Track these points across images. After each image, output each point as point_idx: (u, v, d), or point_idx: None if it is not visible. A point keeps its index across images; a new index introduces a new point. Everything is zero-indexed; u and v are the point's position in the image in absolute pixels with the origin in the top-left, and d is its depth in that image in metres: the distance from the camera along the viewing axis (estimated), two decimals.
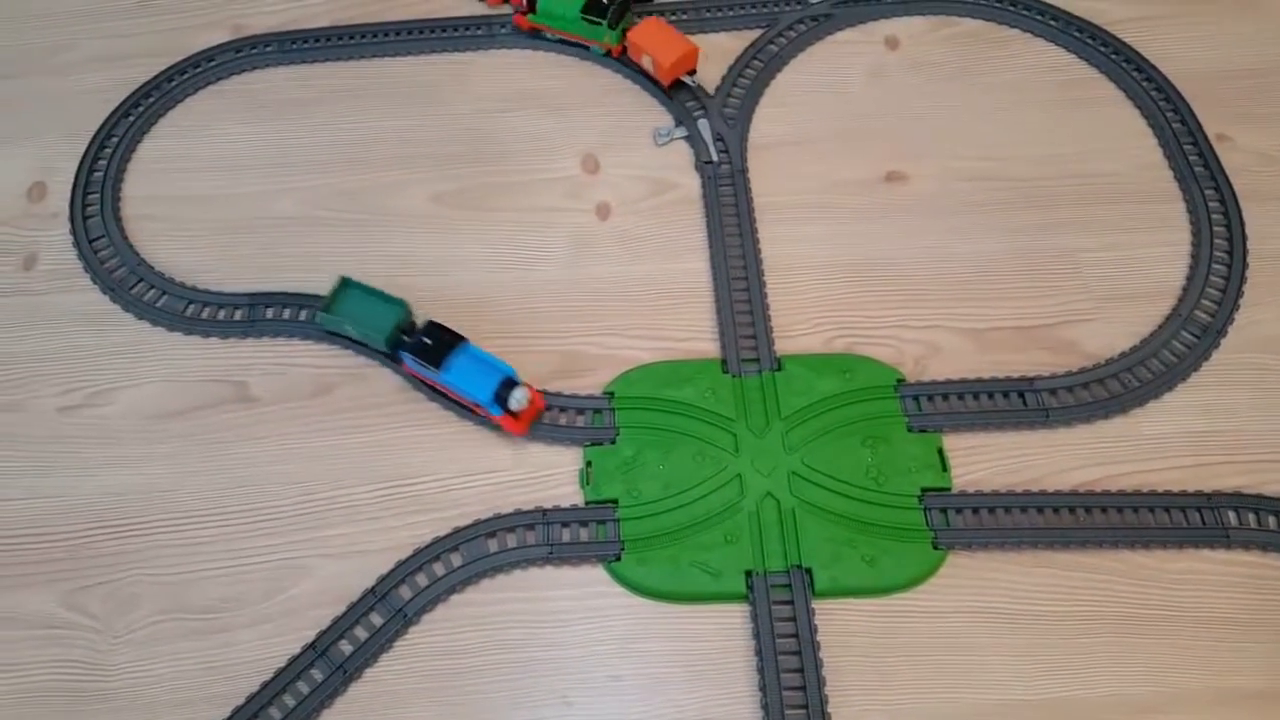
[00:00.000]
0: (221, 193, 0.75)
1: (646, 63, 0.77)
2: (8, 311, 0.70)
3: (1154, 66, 0.78)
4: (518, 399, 0.61)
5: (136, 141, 0.78)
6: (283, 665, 0.56)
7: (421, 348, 0.63)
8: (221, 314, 0.69)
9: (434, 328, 0.64)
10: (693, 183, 0.74)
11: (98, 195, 0.75)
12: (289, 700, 0.56)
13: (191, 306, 0.69)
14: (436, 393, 0.65)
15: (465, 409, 0.64)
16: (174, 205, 0.75)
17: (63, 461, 0.64)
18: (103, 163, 0.76)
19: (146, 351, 0.68)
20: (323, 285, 0.69)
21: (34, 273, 0.72)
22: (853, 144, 0.75)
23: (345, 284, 0.66)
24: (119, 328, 0.69)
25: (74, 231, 0.73)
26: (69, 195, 0.75)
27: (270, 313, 0.69)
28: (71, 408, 0.66)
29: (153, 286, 0.70)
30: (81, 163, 0.76)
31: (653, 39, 0.77)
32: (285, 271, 0.71)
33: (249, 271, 0.71)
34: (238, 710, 0.55)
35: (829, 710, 0.54)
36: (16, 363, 0.68)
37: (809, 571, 0.58)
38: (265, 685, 0.56)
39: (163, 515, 0.62)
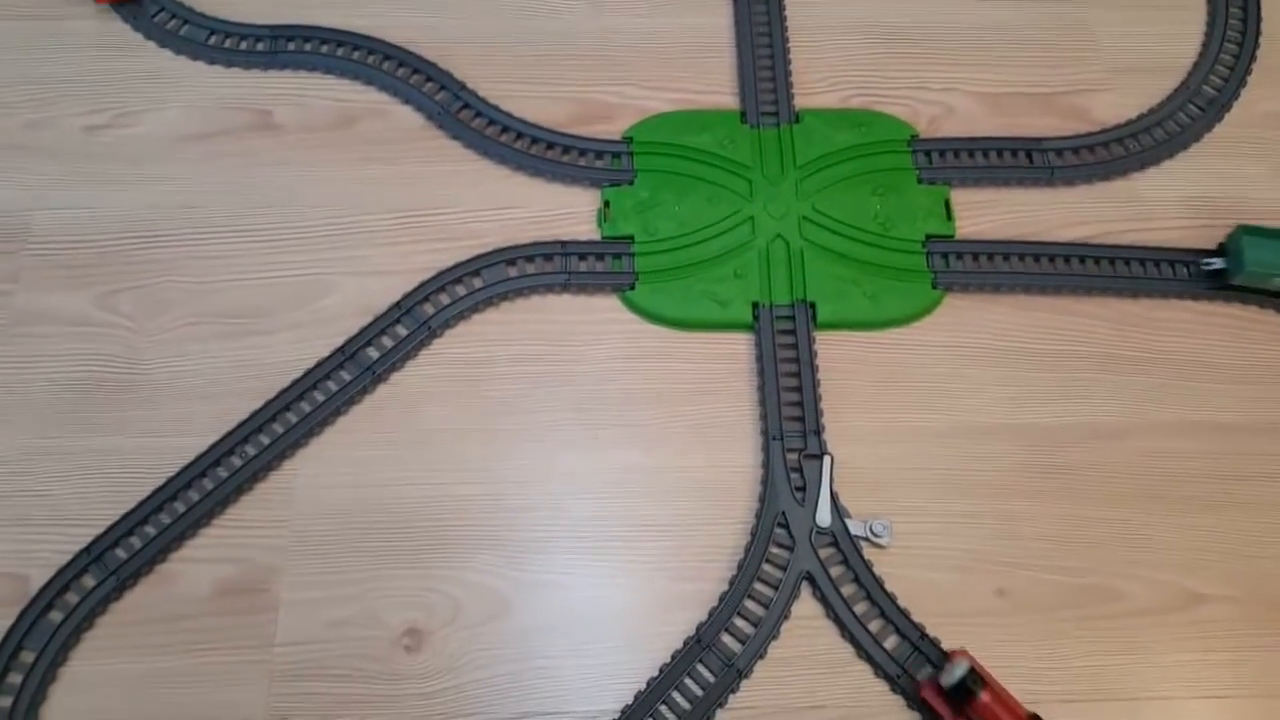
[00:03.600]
0: None
1: None
2: (29, 35, 0.70)
3: None
4: None
5: None
6: (312, 366, 0.60)
7: None
8: (243, 45, 0.69)
9: None
10: None
11: None
12: (319, 396, 0.59)
13: (214, 36, 0.69)
14: (459, 132, 0.66)
15: (493, 147, 0.66)
16: None
17: (92, 175, 0.65)
18: None
19: (169, 78, 0.68)
20: (343, 21, 0.69)
21: None
22: None
23: (1247, 233, 0.59)
24: (141, 54, 0.69)
25: None
26: None
27: (292, 45, 0.69)
28: (98, 127, 0.67)
29: (174, 16, 0.70)
30: None
31: None
32: (307, 7, 0.70)
33: (270, 5, 0.70)
34: (270, 402, 0.58)
35: (823, 422, 0.58)
36: (40, 83, 0.68)
37: (813, 305, 0.61)
38: (295, 382, 0.59)
39: (191, 229, 0.64)
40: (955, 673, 0.50)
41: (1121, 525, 0.57)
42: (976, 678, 0.49)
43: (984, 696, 0.49)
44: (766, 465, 0.57)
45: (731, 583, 0.55)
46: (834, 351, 0.61)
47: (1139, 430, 0.59)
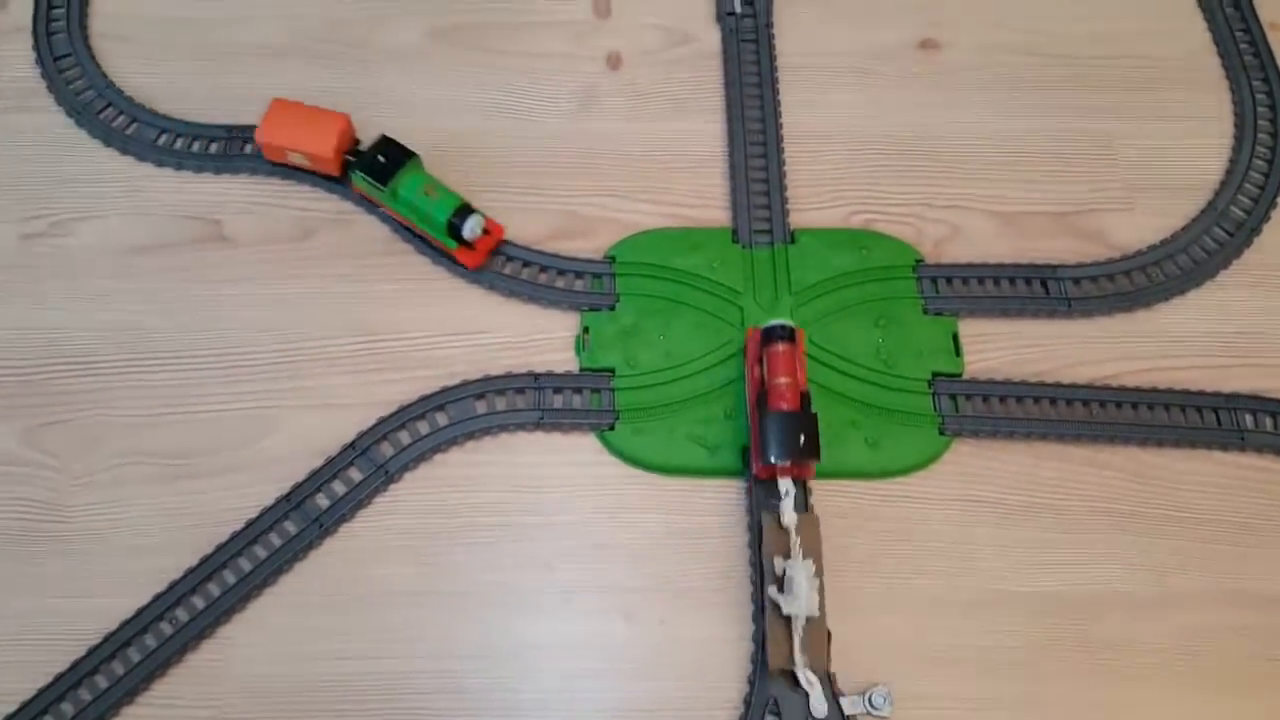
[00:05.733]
0: (199, 14, 0.69)
1: (297, 159, 0.62)
2: None
3: None
4: None
5: None
6: (255, 516, 0.54)
7: None
8: (196, 146, 0.64)
9: None
10: (713, 36, 0.68)
11: (63, 10, 0.68)
12: (260, 551, 0.53)
13: (164, 136, 0.64)
14: (426, 245, 0.61)
15: (462, 268, 0.60)
16: (148, 26, 0.68)
17: (22, 292, 0.60)
18: None
19: (114, 181, 0.63)
20: None
21: None
22: (888, 4, 0.70)
23: None
24: (84, 154, 0.64)
25: (36, 48, 0.67)
26: (31, 7, 0.68)
27: (249, 148, 0.63)
28: (33, 236, 0.61)
29: (122, 112, 0.65)
30: None
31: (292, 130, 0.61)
32: (265, 105, 0.65)
33: (227, 102, 0.65)
34: (206, 559, 0.53)
35: None
36: None
37: None
38: (235, 535, 0.53)
39: (128, 354, 0.58)
40: (775, 321, 0.55)
41: (1144, 710, 0.51)
42: (791, 333, 0.54)
43: (780, 347, 0.54)
44: (758, 640, 0.52)
45: None
46: (830, 504, 0.55)
47: (1166, 601, 0.53)
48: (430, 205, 0.58)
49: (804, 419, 0.52)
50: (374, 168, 0.59)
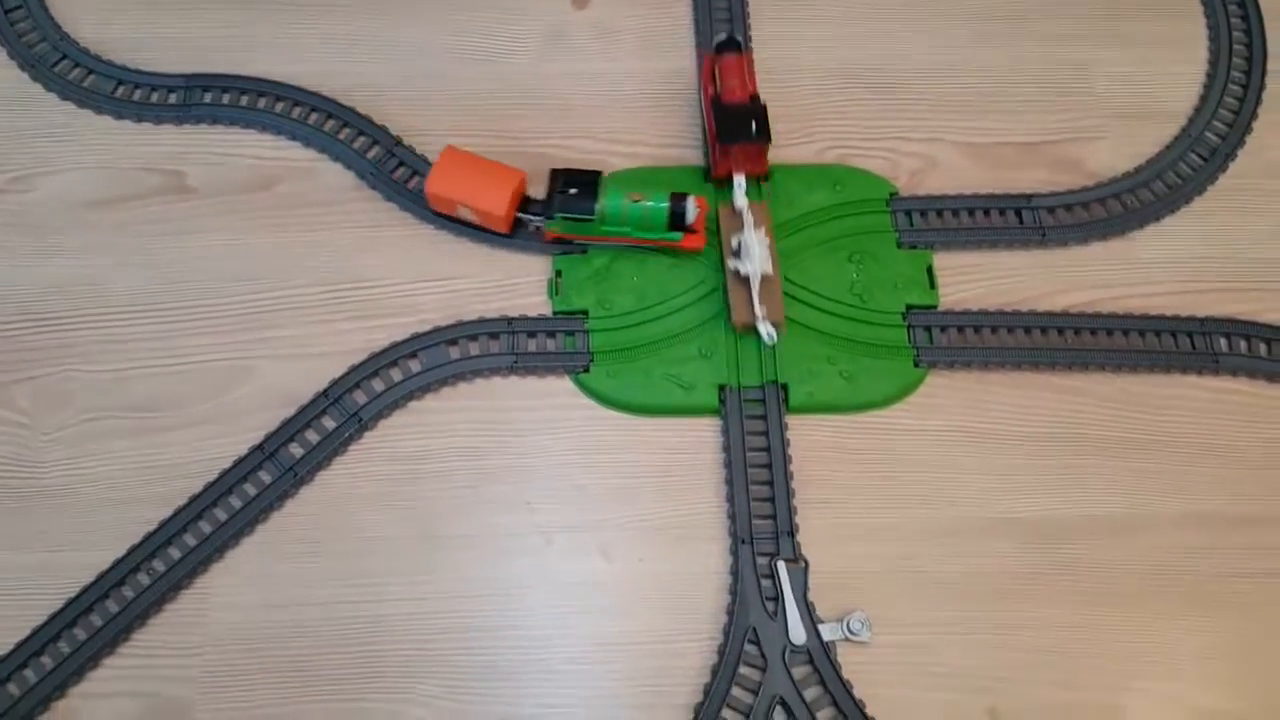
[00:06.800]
0: None
1: (465, 214, 0.58)
2: None
3: None
4: None
5: None
6: (228, 466, 0.54)
7: None
8: (154, 96, 0.62)
9: None
10: None
11: None
12: (235, 501, 0.53)
13: (121, 87, 0.63)
14: (393, 193, 0.60)
15: (430, 212, 0.59)
16: None
17: None
18: None
19: (72, 135, 0.62)
20: (264, 69, 0.63)
21: None
22: None
23: None
24: (41, 108, 0.62)
25: None
26: None
27: (209, 97, 0.62)
28: None
29: (77, 64, 0.63)
30: None
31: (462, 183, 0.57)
32: (224, 53, 0.64)
33: (184, 51, 0.64)
34: (180, 510, 0.52)
35: (797, 521, 0.53)
36: None
37: (784, 387, 0.56)
38: (209, 486, 0.53)
39: (94, 309, 0.57)
40: (725, 36, 0.60)
41: (1123, 631, 0.51)
42: (737, 44, 0.59)
43: (730, 58, 0.58)
44: (735, 573, 0.52)
45: (698, 710, 0.49)
46: (807, 438, 0.55)
47: (1142, 524, 0.54)
48: (645, 210, 0.55)
49: (754, 108, 0.57)
50: (572, 205, 0.55)
